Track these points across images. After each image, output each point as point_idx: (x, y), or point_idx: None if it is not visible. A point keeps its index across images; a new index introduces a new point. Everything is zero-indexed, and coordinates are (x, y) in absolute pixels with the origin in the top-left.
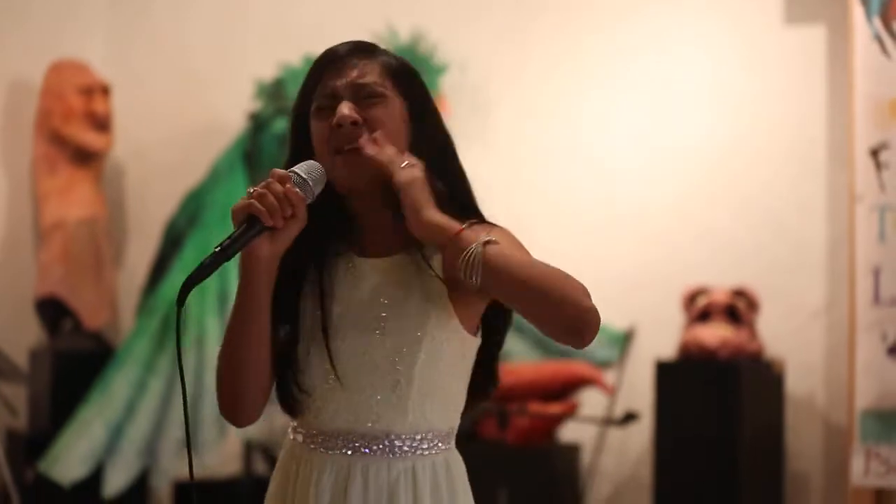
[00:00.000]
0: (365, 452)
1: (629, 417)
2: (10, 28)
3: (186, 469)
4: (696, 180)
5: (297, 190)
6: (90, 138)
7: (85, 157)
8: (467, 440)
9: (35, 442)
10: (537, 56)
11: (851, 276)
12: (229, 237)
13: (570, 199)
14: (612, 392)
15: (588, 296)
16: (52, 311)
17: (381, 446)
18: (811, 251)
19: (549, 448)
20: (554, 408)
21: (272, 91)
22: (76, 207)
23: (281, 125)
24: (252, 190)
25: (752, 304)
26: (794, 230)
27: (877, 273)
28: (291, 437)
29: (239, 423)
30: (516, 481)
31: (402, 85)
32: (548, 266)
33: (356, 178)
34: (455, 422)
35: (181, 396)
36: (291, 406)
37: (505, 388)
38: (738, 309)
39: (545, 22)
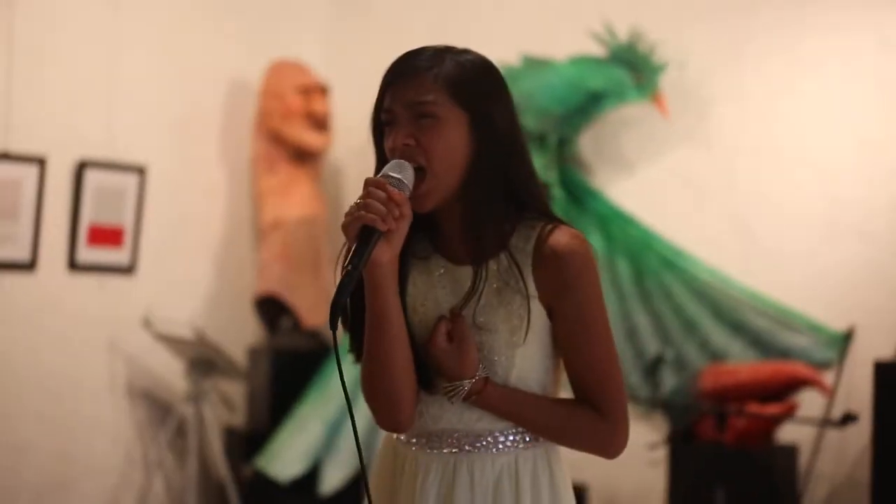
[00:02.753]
0: (468, 450)
1: (848, 418)
2: (230, 28)
3: None
4: None
5: (397, 190)
6: (309, 138)
7: (304, 157)
8: (685, 441)
9: (253, 439)
10: (756, 54)
11: None
12: (354, 253)
13: (790, 199)
14: (830, 393)
15: (616, 429)
16: (271, 309)
17: (484, 443)
18: None
19: (767, 449)
20: (772, 408)
21: None
22: (295, 207)
23: None
24: (357, 202)
25: None
26: None
27: None
28: (393, 436)
29: (403, 429)
30: (733, 482)
31: (463, 95)
32: (558, 412)
33: (420, 208)
34: None
35: (349, 416)
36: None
37: (723, 389)
38: None
39: (763, 20)
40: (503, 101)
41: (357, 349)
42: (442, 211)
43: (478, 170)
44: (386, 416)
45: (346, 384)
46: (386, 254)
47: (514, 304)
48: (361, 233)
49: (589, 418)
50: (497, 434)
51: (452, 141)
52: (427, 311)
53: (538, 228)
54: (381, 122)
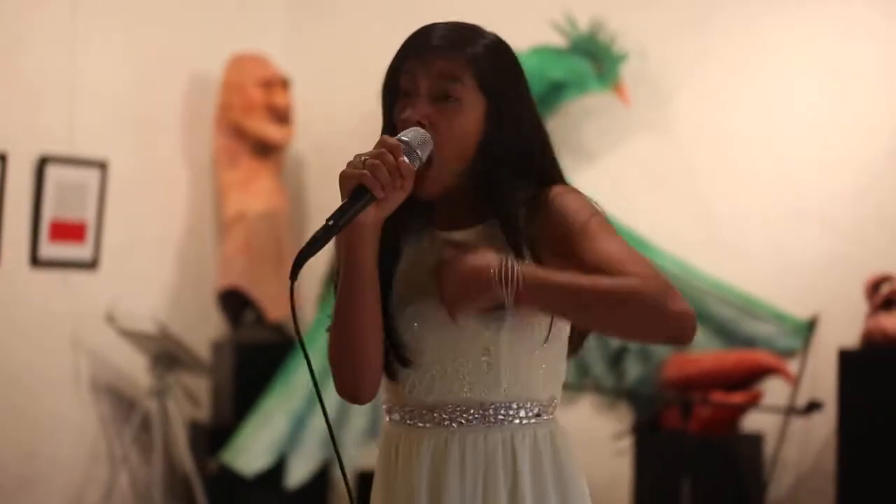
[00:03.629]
0: (461, 423)
1: (813, 406)
2: (190, 22)
3: (369, 460)
4: (879, 167)
5: (408, 161)
6: (271, 131)
7: (265, 150)
8: (650, 431)
9: (218, 433)
10: (717, 43)
11: None
12: (340, 209)
13: (752, 187)
14: (795, 381)
15: (669, 290)
16: (234, 303)
17: (476, 416)
18: None
19: (732, 437)
20: (737, 397)
21: None
22: (257, 200)
23: None
24: (365, 158)
25: None
26: None
27: None
28: (387, 418)
29: (362, 400)
30: (699, 471)
31: (489, 82)
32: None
33: (422, 195)
34: (556, 391)
35: (311, 381)
36: (391, 371)
37: (687, 378)
38: None
39: (725, 9)
40: (521, 84)
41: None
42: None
43: (486, 154)
44: (347, 382)
45: (315, 372)
46: (371, 216)
47: None
48: (356, 190)
49: (640, 278)
50: (489, 406)
51: (468, 127)
52: (415, 279)
53: (540, 194)
54: (396, 86)
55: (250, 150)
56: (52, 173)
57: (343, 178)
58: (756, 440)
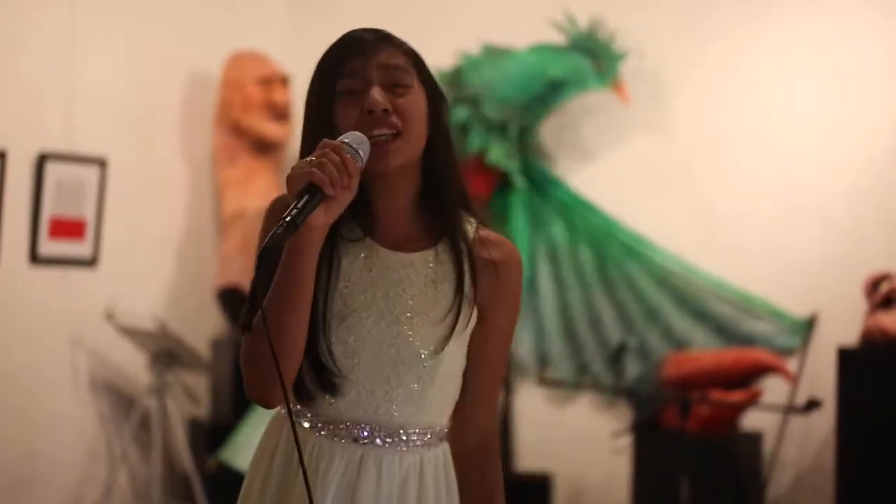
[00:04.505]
0: (377, 444)
1: (812, 405)
2: (189, 19)
3: None
4: (878, 166)
5: (353, 160)
6: (270, 129)
7: (265, 148)
8: (649, 429)
9: (217, 431)
10: (716, 42)
11: None
12: (294, 207)
13: (751, 186)
14: (794, 379)
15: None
16: (234, 301)
17: (394, 439)
18: None
19: (731, 436)
20: (736, 396)
21: (450, 79)
22: (256, 198)
23: (460, 113)
24: (310, 158)
25: None
26: None
27: None
28: (297, 421)
29: (273, 404)
30: (698, 470)
31: (424, 74)
32: None
33: (384, 165)
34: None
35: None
36: (306, 391)
37: (686, 376)
38: None
39: (724, 8)
40: (442, 92)
41: (250, 319)
42: (385, 190)
43: (434, 148)
44: (263, 384)
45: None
46: (321, 219)
47: (447, 298)
48: (305, 190)
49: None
50: (410, 431)
51: (420, 110)
52: (353, 294)
53: (474, 225)
54: (331, 92)
55: (249, 148)
56: (52, 171)
57: (290, 179)
58: (755, 439)
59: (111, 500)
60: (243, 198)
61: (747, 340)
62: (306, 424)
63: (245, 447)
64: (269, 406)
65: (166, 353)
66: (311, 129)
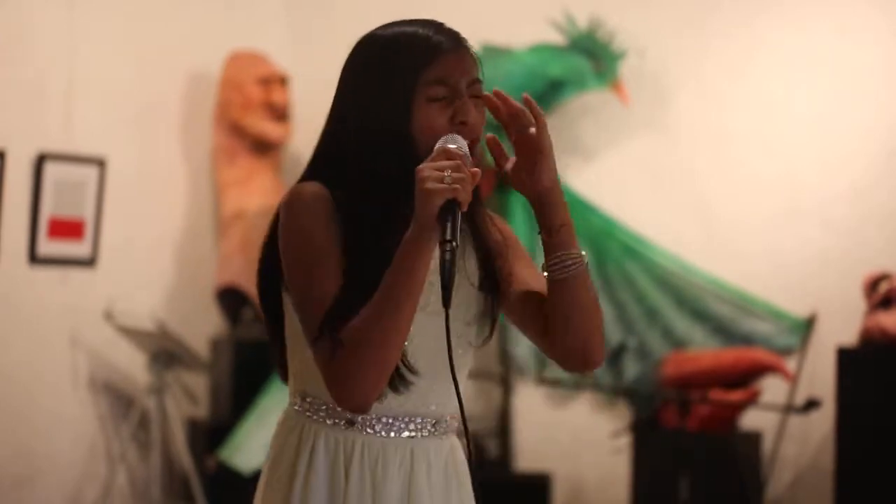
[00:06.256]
0: (424, 436)
1: (811, 404)
2: (189, 19)
3: None
4: (878, 165)
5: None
6: (269, 128)
7: (264, 148)
8: (649, 428)
9: (216, 430)
10: (716, 41)
11: None
12: (451, 228)
13: (750, 185)
14: (793, 379)
15: None
16: (233, 301)
17: (437, 428)
18: None
19: (731, 435)
20: (735, 395)
21: None
22: (256, 197)
23: None
24: (448, 172)
25: None
26: None
27: None
28: (329, 422)
29: (367, 409)
30: (697, 469)
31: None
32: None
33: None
34: None
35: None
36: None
37: (685, 376)
38: None
39: (724, 7)
40: None
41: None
42: None
43: None
44: (366, 390)
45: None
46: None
47: (480, 290)
48: (448, 207)
49: None
50: (446, 417)
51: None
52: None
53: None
54: (412, 82)
55: (249, 148)
56: (51, 170)
57: (432, 193)
58: (754, 438)
59: (110, 500)
60: (243, 198)
61: (747, 340)
62: (340, 421)
63: (244, 447)
64: (364, 411)
65: (165, 352)
66: (375, 105)
